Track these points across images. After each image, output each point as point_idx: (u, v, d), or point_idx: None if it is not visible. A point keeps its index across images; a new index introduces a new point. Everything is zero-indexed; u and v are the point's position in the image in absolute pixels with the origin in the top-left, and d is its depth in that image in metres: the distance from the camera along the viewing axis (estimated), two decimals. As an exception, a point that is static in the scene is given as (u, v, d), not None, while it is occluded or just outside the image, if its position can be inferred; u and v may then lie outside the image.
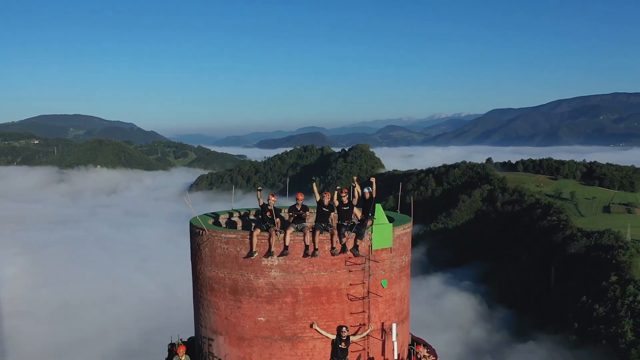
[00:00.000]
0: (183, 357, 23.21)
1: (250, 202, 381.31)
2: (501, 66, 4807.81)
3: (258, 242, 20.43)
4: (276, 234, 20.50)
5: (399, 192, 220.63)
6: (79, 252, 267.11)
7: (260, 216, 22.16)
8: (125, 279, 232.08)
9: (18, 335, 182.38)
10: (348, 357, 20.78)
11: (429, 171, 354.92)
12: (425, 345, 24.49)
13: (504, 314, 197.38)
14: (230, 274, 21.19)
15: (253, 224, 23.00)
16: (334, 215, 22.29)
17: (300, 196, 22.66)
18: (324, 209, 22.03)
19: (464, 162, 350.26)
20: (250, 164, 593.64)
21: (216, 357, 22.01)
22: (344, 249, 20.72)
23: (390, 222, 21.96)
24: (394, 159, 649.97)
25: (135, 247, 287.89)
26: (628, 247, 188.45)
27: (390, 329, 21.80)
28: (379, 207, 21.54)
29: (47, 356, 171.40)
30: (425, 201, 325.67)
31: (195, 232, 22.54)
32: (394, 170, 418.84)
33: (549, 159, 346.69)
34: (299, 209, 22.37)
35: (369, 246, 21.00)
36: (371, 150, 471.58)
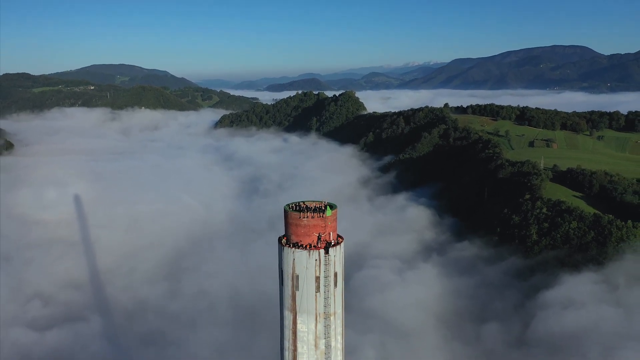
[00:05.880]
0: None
1: (263, 136, 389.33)
2: (463, 21, 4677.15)
3: (302, 214, 41.67)
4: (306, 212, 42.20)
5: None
6: (139, 178, 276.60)
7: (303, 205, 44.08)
8: (175, 198, 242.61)
9: (100, 241, 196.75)
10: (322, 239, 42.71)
11: (400, 113, 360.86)
12: (340, 236, 44.75)
13: (449, 221, 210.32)
14: (294, 220, 43.96)
15: (298, 208, 45.43)
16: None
17: (313, 203, 46.30)
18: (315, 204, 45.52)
19: (426, 107, 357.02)
20: (262, 106, 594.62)
21: (293, 240, 43.81)
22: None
23: (331, 208, 43.54)
24: (375, 101, 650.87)
25: (179, 173, 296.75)
26: (540, 173, 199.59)
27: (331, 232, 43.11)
28: (328, 207, 44.25)
29: (122, 256, 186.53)
30: (396, 137, 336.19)
31: (286, 210, 44.70)
32: (373, 112, 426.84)
33: (492, 104, 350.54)
34: (311, 205, 46.17)
35: (325, 214, 41.80)
36: (356, 96, 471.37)
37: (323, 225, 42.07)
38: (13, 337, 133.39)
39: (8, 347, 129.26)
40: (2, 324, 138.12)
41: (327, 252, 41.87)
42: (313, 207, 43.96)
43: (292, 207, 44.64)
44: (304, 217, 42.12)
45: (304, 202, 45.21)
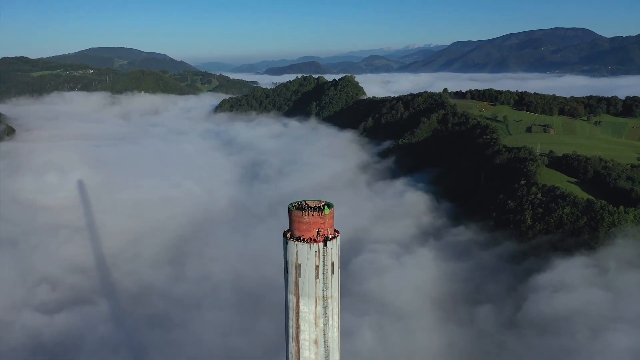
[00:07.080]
0: None
1: (263, 121, 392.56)
2: (463, 3, 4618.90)
3: (303, 212, 47.24)
4: (307, 210, 47.92)
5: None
6: (141, 163, 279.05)
7: (305, 204, 49.94)
8: (177, 184, 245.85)
9: (104, 226, 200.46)
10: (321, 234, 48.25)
11: (399, 98, 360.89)
12: (337, 231, 50.93)
13: (446, 206, 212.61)
14: (297, 217, 49.05)
15: (300, 207, 51.04)
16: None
17: (313, 202, 51.48)
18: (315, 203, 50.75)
19: (425, 92, 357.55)
20: (262, 90, 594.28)
21: (296, 235, 49.64)
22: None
23: (329, 207, 49.79)
24: (375, 85, 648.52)
25: (181, 159, 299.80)
26: (536, 159, 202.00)
27: (329, 228, 48.88)
28: (326, 206, 49.69)
29: (127, 241, 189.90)
30: (395, 122, 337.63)
31: (290, 209, 49.99)
32: (373, 97, 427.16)
33: (490, 89, 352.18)
34: (311, 205, 50.91)
35: (324, 212, 47.74)
36: (356, 80, 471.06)
37: (322, 222, 48.61)
38: (23, 320, 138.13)
39: (19, 330, 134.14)
40: (13, 307, 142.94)
41: (325, 245, 48.65)
42: (313, 206, 50.48)
43: (295, 206, 51.08)
44: (305, 215, 48.52)
45: (305, 201, 51.49)
